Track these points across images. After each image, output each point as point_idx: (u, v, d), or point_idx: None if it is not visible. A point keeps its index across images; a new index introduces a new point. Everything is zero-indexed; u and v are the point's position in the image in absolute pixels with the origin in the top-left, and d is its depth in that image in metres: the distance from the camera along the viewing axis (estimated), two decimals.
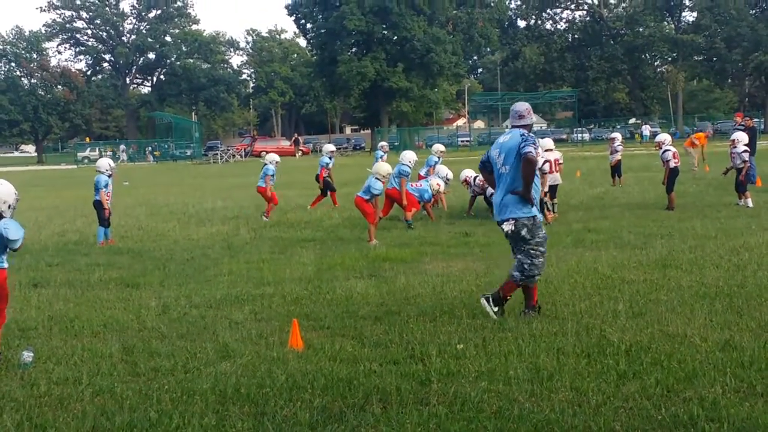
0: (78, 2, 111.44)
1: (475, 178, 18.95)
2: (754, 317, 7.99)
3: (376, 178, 15.31)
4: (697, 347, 7.01)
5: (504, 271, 11.15)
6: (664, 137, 19.74)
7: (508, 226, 8.33)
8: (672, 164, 18.51)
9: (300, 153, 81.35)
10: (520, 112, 8.57)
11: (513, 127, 8.58)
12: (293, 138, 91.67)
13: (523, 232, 8.33)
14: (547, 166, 16.70)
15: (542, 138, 19.02)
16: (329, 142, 26.39)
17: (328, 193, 22.85)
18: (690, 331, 7.51)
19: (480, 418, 5.58)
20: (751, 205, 18.03)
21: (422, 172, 20.98)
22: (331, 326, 8.42)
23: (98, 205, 15.93)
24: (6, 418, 5.96)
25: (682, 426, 5.31)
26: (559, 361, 6.76)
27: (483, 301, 8.52)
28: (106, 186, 15.91)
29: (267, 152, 23.32)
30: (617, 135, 27.16)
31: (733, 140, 19.05)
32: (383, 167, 15.73)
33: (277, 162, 20.46)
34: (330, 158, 23.54)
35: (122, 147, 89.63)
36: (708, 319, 7.98)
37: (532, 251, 8.39)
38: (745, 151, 18.53)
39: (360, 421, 5.64)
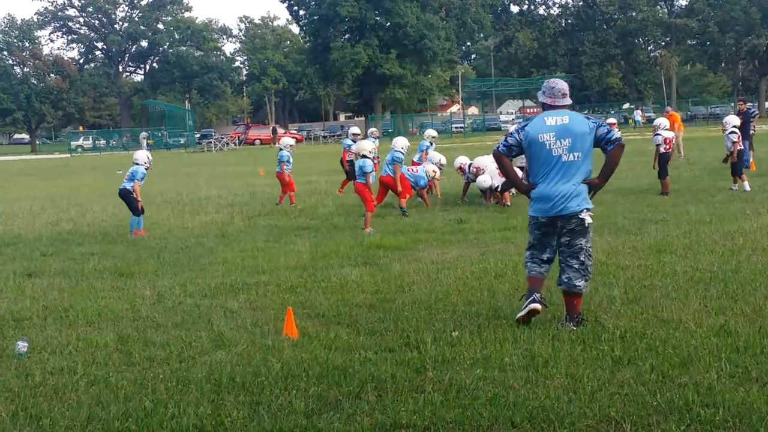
0: None
1: (469, 165, 18.90)
2: (749, 302, 8.00)
3: (364, 156, 15.34)
4: (691, 333, 7.02)
5: (498, 257, 11.17)
6: (660, 121, 19.76)
7: (589, 217, 7.52)
8: (662, 149, 18.53)
9: (277, 143, 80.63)
10: (564, 90, 7.65)
11: (557, 107, 7.60)
12: (271, 128, 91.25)
13: (590, 224, 7.58)
14: None
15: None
16: (353, 126, 26.09)
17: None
18: (685, 317, 7.52)
19: (475, 405, 5.58)
20: (748, 188, 18.05)
21: (415, 158, 20.93)
22: (326, 314, 8.42)
23: (127, 195, 15.74)
24: (1, 408, 5.95)
25: (677, 411, 5.32)
26: (554, 348, 6.76)
27: (572, 326, 7.37)
28: (142, 178, 15.87)
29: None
30: (612, 120, 27.33)
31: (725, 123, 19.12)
32: (366, 144, 15.78)
33: (291, 146, 20.28)
34: (354, 141, 23.08)
35: (143, 134, 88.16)
36: (703, 305, 7.99)
37: (590, 247, 7.63)
38: (732, 132, 18.49)
39: (355, 409, 5.64)
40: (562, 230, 7.52)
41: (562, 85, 7.69)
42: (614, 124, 27.03)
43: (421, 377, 6.22)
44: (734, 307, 7.84)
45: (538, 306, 7.50)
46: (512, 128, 7.91)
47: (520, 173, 17.28)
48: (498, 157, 7.82)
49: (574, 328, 7.32)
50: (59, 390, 6.31)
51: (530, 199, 7.69)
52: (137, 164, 15.91)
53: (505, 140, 7.70)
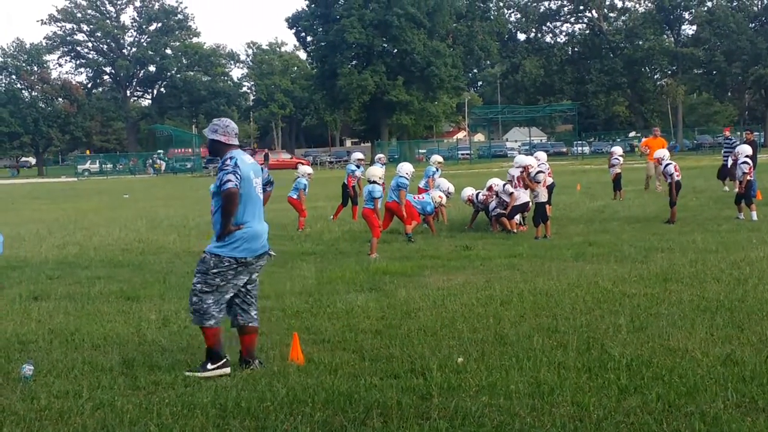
0: (78, 15, 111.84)
1: (477, 194, 18.92)
2: (756, 331, 7.99)
3: (373, 182, 15.42)
4: (698, 362, 7.00)
5: (504, 284, 11.16)
6: (663, 153, 19.69)
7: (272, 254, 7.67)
8: (676, 177, 18.42)
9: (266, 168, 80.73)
10: (237, 130, 7.51)
11: (232, 145, 7.44)
12: (263, 153, 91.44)
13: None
14: (541, 176, 16.84)
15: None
16: (355, 152, 26.14)
17: (350, 203, 22.65)
18: (691, 346, 7.50)
19: None
20: (755, 218, 18.03)
21: (421, 184, 20.96)
22: (332, 340, 8.41)
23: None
24: (6, 431, 5.95)
25: None
26: (560, 376, 6.75)
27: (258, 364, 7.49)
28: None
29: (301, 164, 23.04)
30: (617, 149, 27.25)
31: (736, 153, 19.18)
32: (375, 170, 15.85)
33: (309, 174, 20.47)
34: (358, 167, 23.14)
35: (159, 155, 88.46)
36: (709, 334, 7.98)
37: None
38: (744, 162, 18.53)
39: None
40: (257, 268, 7.56)
41: (234, 124, 7.54)
42: (614, 152, 26.67)
43: (427, 404, 6.21)
44: (741, 336, 7.83)
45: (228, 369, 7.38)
46: (230, 166, 7.20)
47: (525, 198, 17.43)
48: (236, 195, 7.19)
49: (261, 365, 7.44)
50: (64, 413, 6.30)
51: (227, 240, 7.41)
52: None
53: (235, 177, 7.14)
